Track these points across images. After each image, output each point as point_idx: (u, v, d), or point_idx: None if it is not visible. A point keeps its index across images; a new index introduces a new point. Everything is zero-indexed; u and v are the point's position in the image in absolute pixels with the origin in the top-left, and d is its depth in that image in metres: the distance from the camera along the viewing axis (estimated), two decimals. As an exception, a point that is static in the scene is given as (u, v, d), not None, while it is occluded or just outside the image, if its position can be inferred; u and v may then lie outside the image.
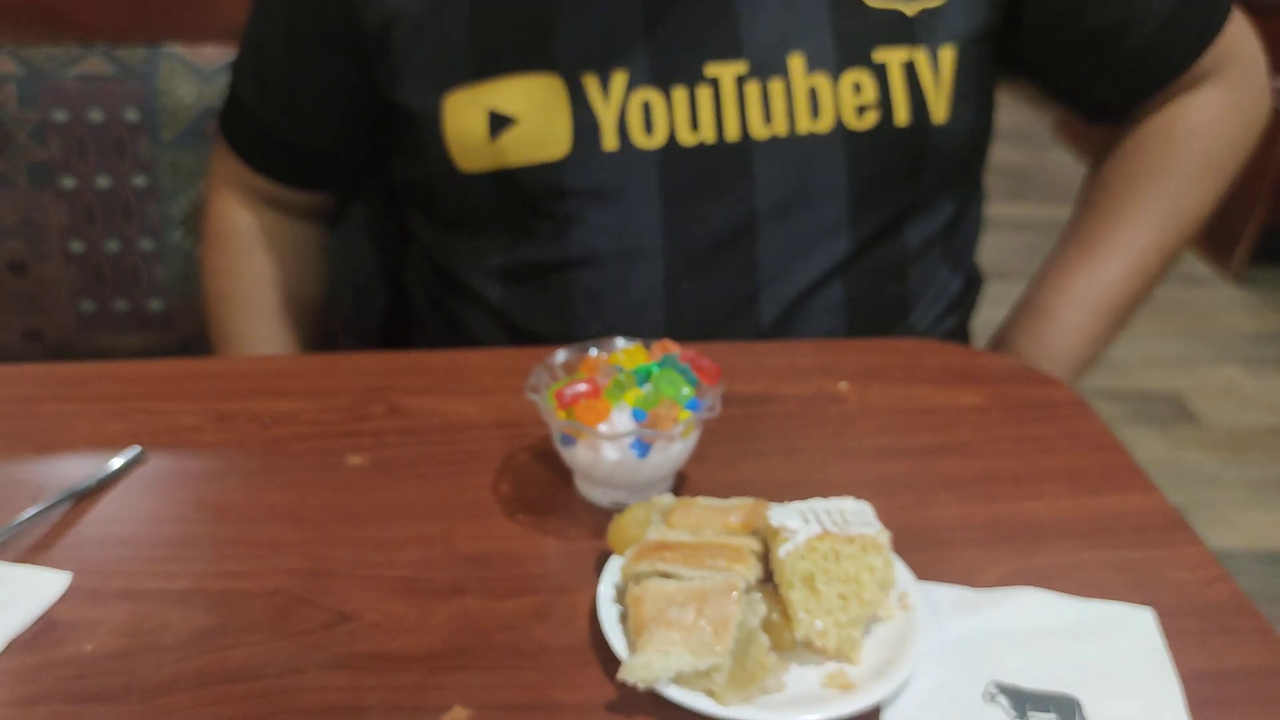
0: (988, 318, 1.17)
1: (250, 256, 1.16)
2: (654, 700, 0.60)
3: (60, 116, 1.22)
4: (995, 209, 1.22)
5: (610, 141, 0.97)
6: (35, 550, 0.72)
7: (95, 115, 1.23)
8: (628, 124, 0.97)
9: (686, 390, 0.73)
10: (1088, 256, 1.08)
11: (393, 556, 0.72)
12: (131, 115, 1.23)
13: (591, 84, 0.96)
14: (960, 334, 1.14)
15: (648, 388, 0.74)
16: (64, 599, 0.68)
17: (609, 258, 1.00)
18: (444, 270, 1.10)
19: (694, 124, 0.97)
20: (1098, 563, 0.73)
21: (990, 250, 1.16)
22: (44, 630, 0.65)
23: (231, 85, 1.13)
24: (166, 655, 0.64)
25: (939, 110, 0.99)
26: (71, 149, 1.23)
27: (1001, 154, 2.32)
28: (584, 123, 0.97)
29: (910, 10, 0.97)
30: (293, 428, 0.85)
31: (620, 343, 0.79)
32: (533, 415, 0.84)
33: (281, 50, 1.07)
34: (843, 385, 0.91)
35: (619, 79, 0.96)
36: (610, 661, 0.63)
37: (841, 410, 0.89)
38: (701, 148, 0.97)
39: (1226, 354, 2.95)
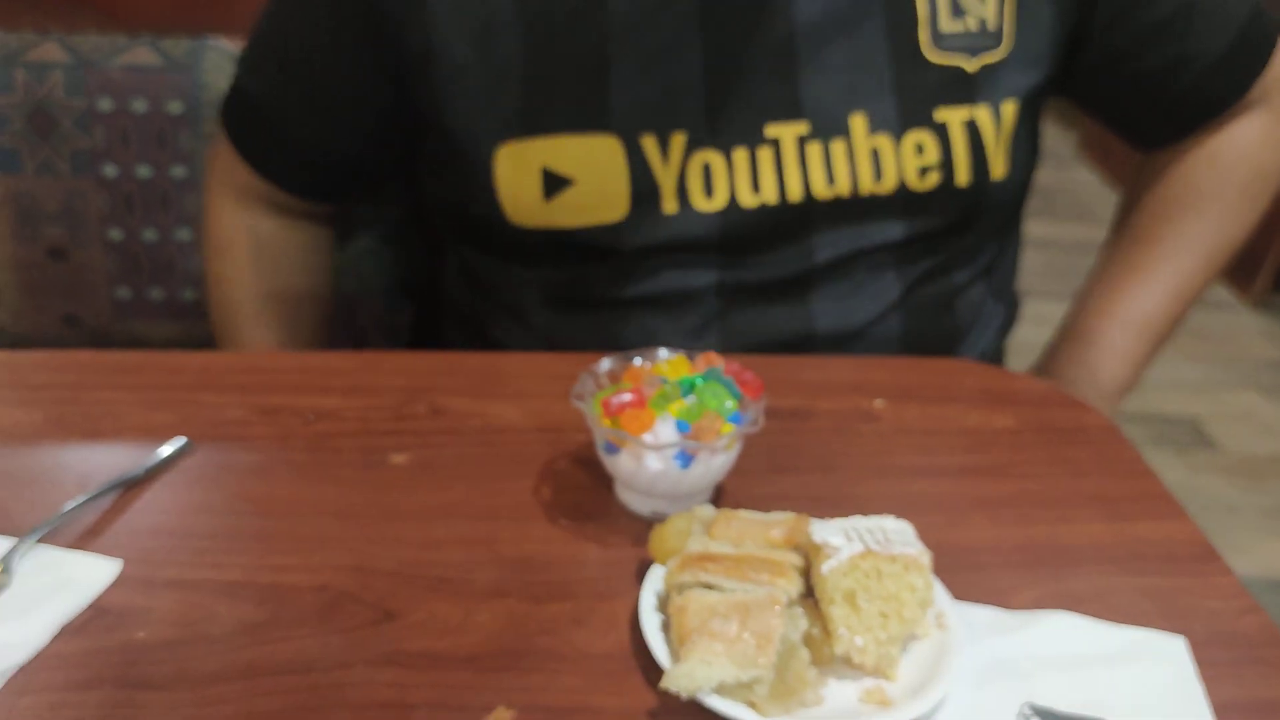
0: (1017, 337, 1.18)
1: (254, 266, 1.12)
2: (695, 709, 0.61)
3: (105, 105, 1.23)
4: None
5: (670, 205, 0.96)
6: (85, 537, 0.73)
7: (139, 105, 1.24)
8: (688, 186, 0.95)
9: (730, 403, 0.75)
10: (1133, 281, 1.09)
11: (436, 556, 0.73)
12: (175, 107, 1.24)
13: (650, 145, 0.94)
14: (997, 354, 1.15)
15: (691, 399, 0.75)
16: (114, 586, 0.69)
17: (664, 297, 0.99)
18: (482, 287, 1.09)
19: (755, 186, 0.96)
20: (1129, 589, 0.74)
21: (1013, 267, 1.18)
22: (95, 616, 0.67)
23: (238, 81, 1.06)
24: (216, 646, 0.65)
25: (998, 167, 0.99)
26: (115, 138, 1.25)
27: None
28: (643, 185, 0.95)
29: (972, 67, 0.96)
30: (336, 424, 0.86)
31: (664, 353, 0.80)
32: (573, 420, 0.85)
33: (309, 46, 1.00)
34: (878, 403, 0.92)
35: (678, 140, 0.94)
36: (650, 669, 0.64)
37: (876, 428, 0.90)
38: (763, 209, 0.96)
39: (1245, 380, 2.95)
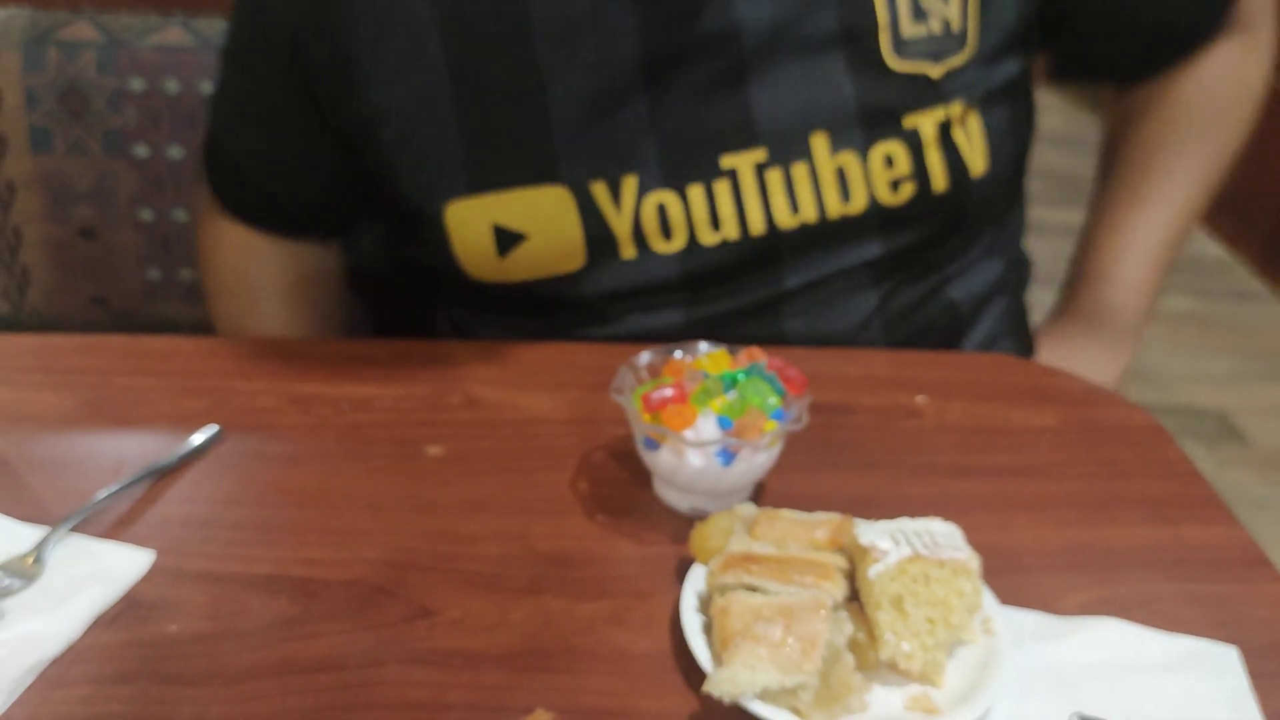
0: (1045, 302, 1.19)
1: (263, 304, 1.07)
2: (738, 715, 0.59)
3: (137, 85, 1.22)
4: (1042, 214, 1.22)
5: (628, 251, 0.92)
6: (117, 526, 0.73)
7: (171, 86, 1.23)
8: (644, 231, 0.91)
9: (773, 400, 0.73)
10: (1137, 212, 1.09)
11: (471, 551, 0.72)
12: (207, 87, 1.23)
13: (601, 192, 0.90)
14: (1020, 314, 1.13)
15: (734, 395, 0.73)
16: (146, 578, 0.68)
17: (633, 333, 0.96)
18: (464, 322, 1.07)
19: (715, 223, 0.91)
20: (1178, 595, 0.72)
21: (1037, 255, 1.16)
22: (128, 609, 0.66)
23: (208, 122, 1.05)
24: (248, 640, 0.64)
25: (977, 164, 0.94)
26: (146, 118, 1.24)
27: (1048, 158, 2.28)
28: (597, 234, 0.91)
29: (936, 73, 0.91)
30: (370, 414, 0.85)
31: (704, 347, 0.79)
32: (609, 413, 0.84)
33: (261, 105, 0.98)
34: (920, 399, 0.91)
35: (629, 184, 0.90)
36: (691, 671, 0.62)
37: (918, 425, 0.88)
38: (724, 246, 0.92)
39: (1276, 372, 2.91)
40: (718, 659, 0.61)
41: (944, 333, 1.03)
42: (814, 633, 0.60)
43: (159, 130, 1.24)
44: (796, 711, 0.59)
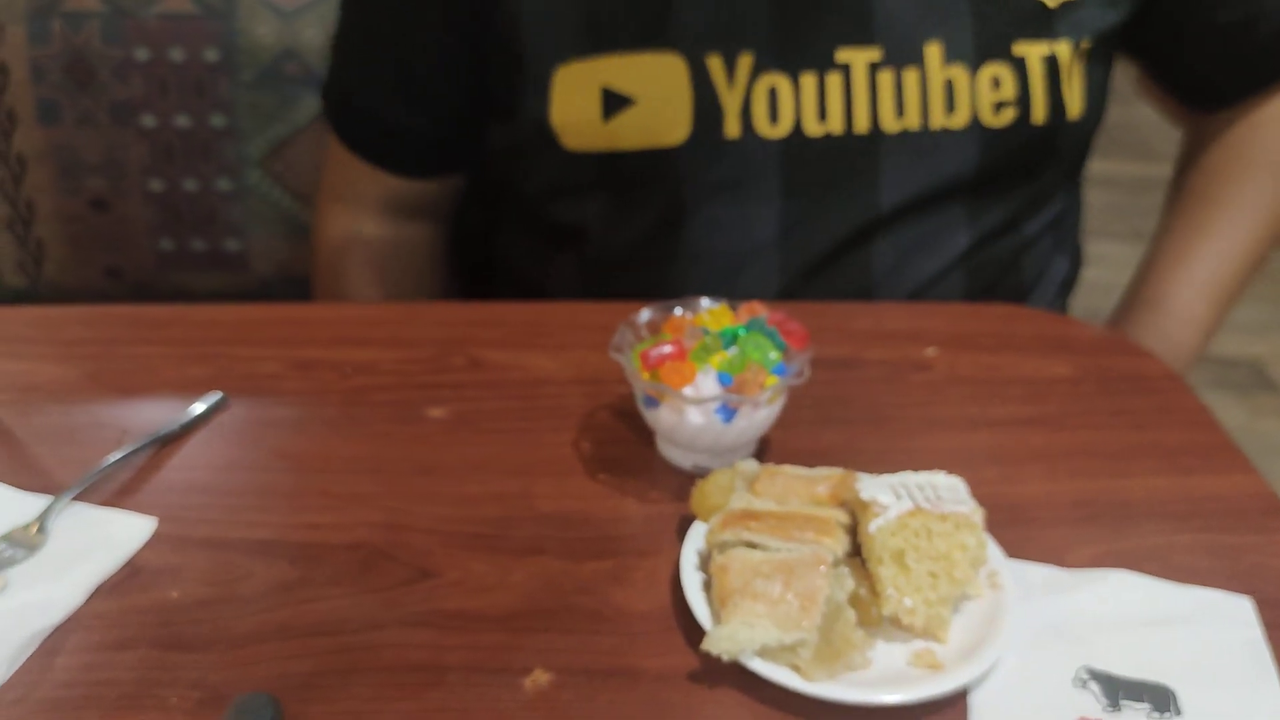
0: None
1: (364, 273, 1.10)
2: (738, 672, 0.59)
3: (142, 55, 1.22)
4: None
5: (733, 128, 0.92)
6: (120, 494, 0.73)
7: (176, 54, 1.22)
8: (752, 110, 0.92)
9: (774, 355, 0.72)
10: (1200, 244, 1.05)
11: (472, 512, 0.72)
12: (211, 55, 1.22)
13: (715, 65, 0.91)
14: (1060, 312, 1.11)
15: (734, 351, 0.72)
16: (148, 545, 0.68)
17: (721, 255, 0.96)
18: (535, 252, 1.06)
19: (822, 113, 0.92)
20: (1193, 546, 0.71)
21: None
22: (130, 575, 0.66)
23: (330, 64, 1.08)
24: (249, 606, 0.64)
25: (1075, 106, 0.95)
26: (153, 87, 1.23)
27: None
28: (706, 106, 0.92)
29: (1053, 1, 0.92)
30: (373, 378, 0.85)
31: (705, 303, 0.78)
32: (613, 372, 0.83)
33: (391, 24, 1.01)
34: (930, 351, 0.89)
35: (745, 61, 0.91)
36: (692, 629, 0.62)
37: (928, 378, 0.87)
38: (828, 139, 0.93)
39: (1310, 321, 2.86)
40: (717, 617, 0.60)
41: (1012, 298, 1.03)
42: (813, 589, 0.59)
43: (166, 99, 1.24)
44: (796, 669, 0.58)
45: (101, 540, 0.68)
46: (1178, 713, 0.58)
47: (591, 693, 0.59)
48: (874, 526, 0.61)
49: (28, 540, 0.67)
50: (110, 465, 0.73)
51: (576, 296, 1.02)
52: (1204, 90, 1.07)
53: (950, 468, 0.67)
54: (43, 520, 0.69)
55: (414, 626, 0.63)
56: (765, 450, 0.78)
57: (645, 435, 0.78)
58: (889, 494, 0.63)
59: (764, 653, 0.58)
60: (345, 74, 1.06)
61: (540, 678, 0.59)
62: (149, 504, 0.71)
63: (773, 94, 0.92)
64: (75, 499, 0.71)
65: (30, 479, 0.73)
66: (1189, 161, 1.10)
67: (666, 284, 0.97)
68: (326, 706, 0.57)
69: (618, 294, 0.98)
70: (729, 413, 0.71)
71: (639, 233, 0.98)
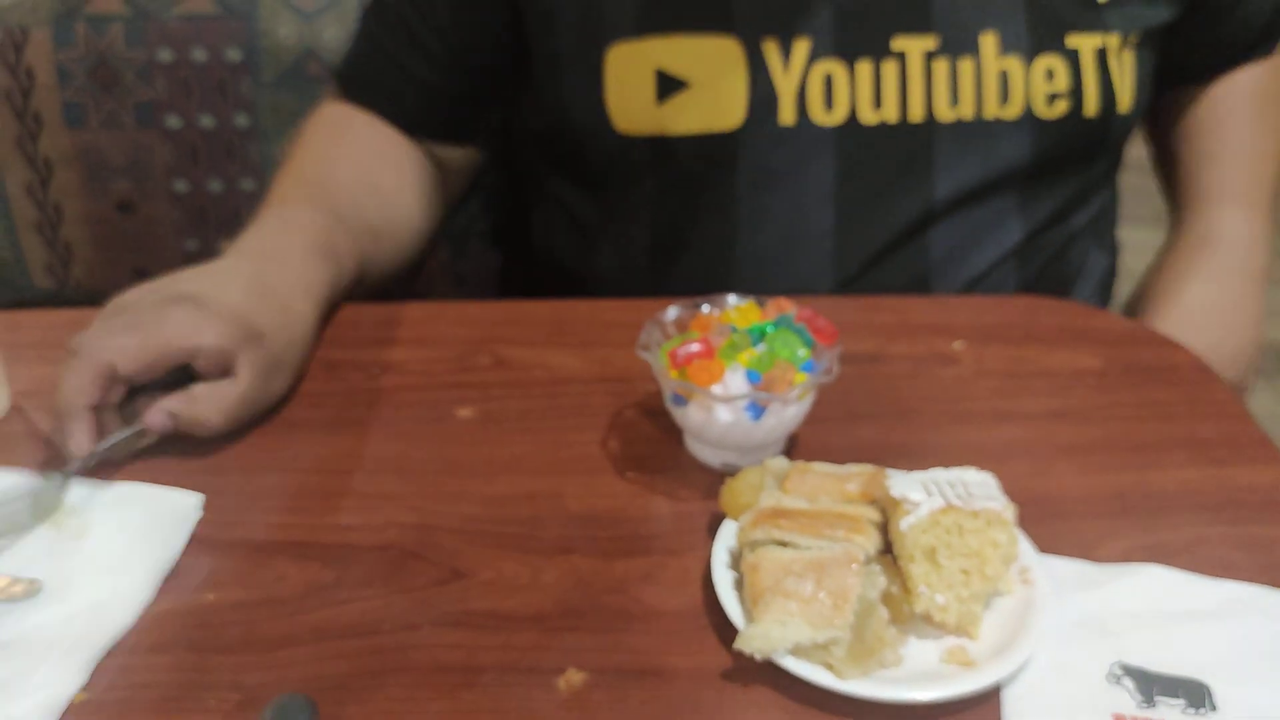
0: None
1: (336, 141, 1.03)
2: (771, 670, 0.59)
3: (165, 56, 1.22)
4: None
5: (787, 115, 0.92)
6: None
7: (199, 55, 1.23)
8: (807, 97, 0.92)
9: (802, 352, 0.72)
10: (1232, 154, 1.10)
11: (502, 512, 0.72)
12: (233, 55, 1.23)
13: (772, 50, 0.91)
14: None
15: (762, 348, 0.72)
16: (184, 550, 0.68)
17: (775, 246, 0.96)
18: (578, 242, 1.06)
19: (877, 101, 0.92)
20: (1225, 539, 0.70)
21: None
22: (165, 578, 0.66)
23: (358, 39, 1.06)
24: (283, 608, 0.64)
25: (1124, 100, 0.95)
26: (176, 89, 1.24)
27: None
28: (761, 92, 0.91)
29: None
30: (400, 378, 0.85)
31: (733, 300, 0.78)
32: (639, 370, 0.83)
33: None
34: (957, 345, 0.89)
35: (801, 47, 0.91)
36: (724, 627, 0.62)
37: (955, 372, 0.86)
38: (882, 127, 0.93)
39: (1336, 305, 2.84)
40: (749, 616, 0.60)
41: (1058, 293, 1.03)
42: (845, 587, 0.59)
43: (189, 101, 1.24)
44: (829, 666, 0.58)
45: (153, 521, 0.69)
46: (1213, 708, 0.58)
47: (624, 692, 0.59)
48: (905, 524, 0.61)
49: (60, 524, 0.68)
50: (129, 434, 0.74)
51: (620, 288, 1.01)
52: (1184, 66, 1.09)
53: (980, 462, 0.67)
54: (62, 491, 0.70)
55: (447, 627, 0.63)
56: (794, 447, 0.78)
57: (673, 433, 0.78)
58: (920, 491, 0.63)
59: (797, 651, 0.58)
60: (367, 28, 1.04)
61: (574, 677, 0.60)
62: (182, 506, 0.72)
63: (828, 81, 0.91)
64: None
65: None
66: (1176, 138, 1.13)
67: (715, 276, 0.97)
68: (361, 707, 0.58)
69: (663, 286, 0.98)
70: (758, 410, 0.71)
71: (689, 220, 0.97)
